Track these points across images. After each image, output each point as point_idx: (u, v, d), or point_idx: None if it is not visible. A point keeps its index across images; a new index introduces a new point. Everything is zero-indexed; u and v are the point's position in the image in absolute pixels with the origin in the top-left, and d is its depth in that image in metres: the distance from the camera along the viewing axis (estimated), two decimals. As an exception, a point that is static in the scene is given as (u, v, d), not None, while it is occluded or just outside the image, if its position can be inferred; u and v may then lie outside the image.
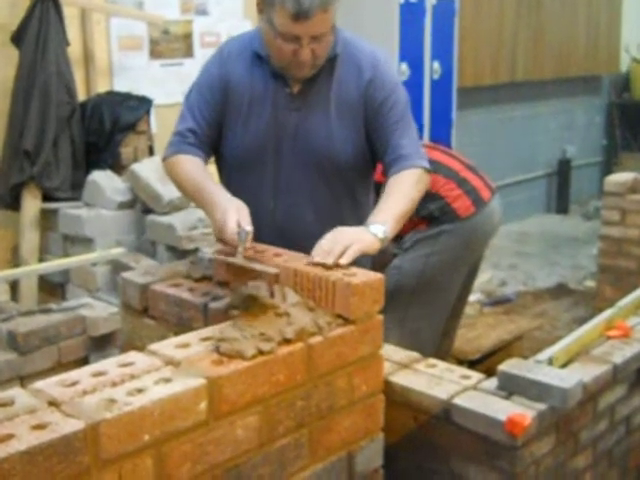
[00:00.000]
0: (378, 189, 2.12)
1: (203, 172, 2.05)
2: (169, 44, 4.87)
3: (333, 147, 2.09)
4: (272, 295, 1.66)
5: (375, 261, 3.17)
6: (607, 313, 2.84)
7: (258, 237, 1.87)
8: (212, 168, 2.21)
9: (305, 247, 1.77)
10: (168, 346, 1.46)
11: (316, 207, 2.14)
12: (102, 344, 3.01)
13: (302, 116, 2.09)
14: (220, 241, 1.85)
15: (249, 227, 1.79)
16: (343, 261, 1.69)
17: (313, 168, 2.11)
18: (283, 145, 2.11)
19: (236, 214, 1.80)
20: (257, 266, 1.72)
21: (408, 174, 2.03)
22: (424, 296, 3.00)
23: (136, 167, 4.06)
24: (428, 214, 2.88)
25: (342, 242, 1.73)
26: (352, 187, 2.18)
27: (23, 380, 2.76)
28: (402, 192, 2.00)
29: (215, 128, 2.14)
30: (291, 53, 1.97)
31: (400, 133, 2.08)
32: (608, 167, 8.27)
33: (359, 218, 2.05)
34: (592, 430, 2.44)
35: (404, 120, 2.11)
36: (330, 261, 1.68)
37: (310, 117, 2.09)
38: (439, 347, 3.10)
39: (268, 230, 2.04)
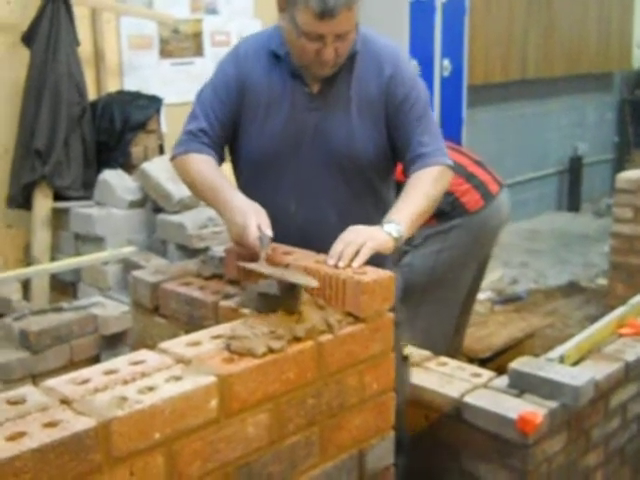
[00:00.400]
0: (399, 188, 2.09)
1: (216, 172, 2.00)
2: (179, 43, 4.88)
3: (354, 146, 2.04)
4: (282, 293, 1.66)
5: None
6: (619, 311, 2.83)
7: (278, 241, 1.83)
8: (227, 169, 2.19)
9: (328, 250, 1.75)
10: (179, 344, 1.46)
11: (339, 208, 2.07)
12: (113, 342, 3.02)
13: (322, 116, 2.03)
14: (239, 245, 1.82)
15: (269, 231, 1.76)
16: (355, 264, 1.68)
17: (334, 168, 2.05)
18: (303, 146, 2.04)
19: (256, 218, 1.77)
20: (290, 277, 1.62)
21: (428, 172, 2.00)
22: (435, 293, 3.00)
23: (146, 166, 4.07)
24: (438, 209, 2.88)
25: (355, 242, 1.72)
26: (374, 186, 2.12)
27: (35, 378, 2.78)
28: (421, 190, 1.96)
29: (229, 129, 2.08)
30: (314, 52, 1.92)
31: (421, 130, 2.04)
32: (620, 164, 8.23)
33: (383, 218, 1.99)
34: (604, 428, 2.43)
35: (425, 117, 2.07)
36: (342, 264, 1.67)
37: (330, 116, 2.03)
38: (450, 344, 3.10)
39: (288, 234, 1.96)
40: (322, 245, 1.79)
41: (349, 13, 1.87)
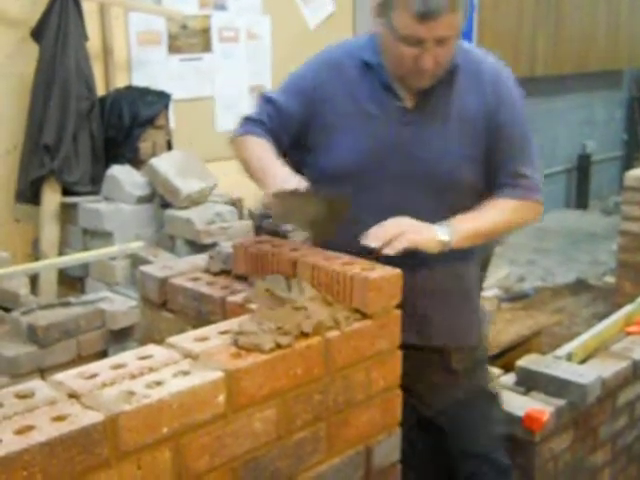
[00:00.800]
0: None
1: (270, 153, 1.89)
2: (187, 39, 4.88)
3: (449, 165, 1.88)
4: (290, 289, 1.66)
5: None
6: (626, 309, 2.82)
7: None
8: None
9: (410, 277, 1.68)
10: (187, 339, 1.47)
11: None
12: (121, 337, 3.03)
13: (415, 131, 1.89)
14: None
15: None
16: (388, 250, 1.66)
17: (423, 188, 1.90)
18: (389, 162, 1.89)
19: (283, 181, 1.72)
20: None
21: (514, 202, 1.91)
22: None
23: (155, 161, 4.07)
24: None
25: (397, 228, 1.69)
26: (464, 208, 1.91)
27: (43, 373, 2.79)
28: (495, 214, 1.88)
29: (289, 136, 1.96)
30: (412, 59, 1.78)
31: (522, 160, 1.93)
32: (628, 162, 8.21)
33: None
34: (611, 426, 2.43)
35: (527, 145, 1.96)
36: (374, 245, 1.65)
37: (425, 133, 1.89)
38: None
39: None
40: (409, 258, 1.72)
41: (452, 16, 1.74)
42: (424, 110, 1.89)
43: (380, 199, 1.89)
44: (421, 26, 1.73)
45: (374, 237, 1.69)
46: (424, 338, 1.99)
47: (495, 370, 2.44)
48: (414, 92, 1.88)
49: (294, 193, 1.69)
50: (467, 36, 5.69)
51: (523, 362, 2.33)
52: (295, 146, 1.98)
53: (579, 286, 5.34)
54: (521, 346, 3.52)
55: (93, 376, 1.31)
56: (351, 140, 1.90)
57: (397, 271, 1.65)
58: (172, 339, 1.47)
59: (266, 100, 1.99)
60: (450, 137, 1.89)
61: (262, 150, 1.90)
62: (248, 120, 1.99)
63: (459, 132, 1.89)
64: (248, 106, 5.16)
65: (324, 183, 1.84)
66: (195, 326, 1.67)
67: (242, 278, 1.88)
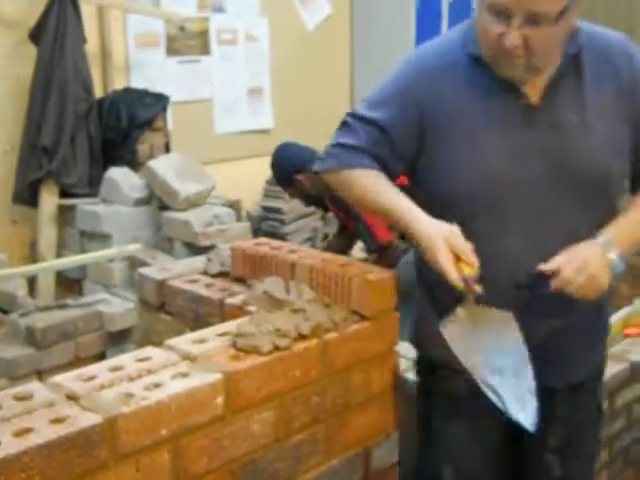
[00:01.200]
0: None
1: (387, 186, 1.62)
2: (186, 41, 4.88)
3: (596, 163, 1.60)
4: (288, 291, 1.66)
5: (384, 258, 3.18)
6: (624, 311, 2.83)
7: (498, 295, 1.57)
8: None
9: (566, 310, 1.59)
10: (185, 341, 1.47)
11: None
12: (119, 339, 3.03)
13: (548, 131, 1.59)
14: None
15: (473, 259, 1.48)
16: (571, 291, 1.52)
17: (572, 194, 1.61)
18: (525, 172, 1.59)
19: (447, 249, 1.48)
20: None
21: None
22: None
23: (153, 164, 4.07)
24: None
25: (586, 274, 1.52)
26: (616, 210, 1.69)
27: (41, 375, 2.78)
28: None
29: (401, 161, 1.66)
30: (497, 36, 1.48)
31: None
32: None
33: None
34: (608, 428, 2.43)
35: None
36: (569, 290, 1.52)
37: (560, 131, 1.60)
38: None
39: (510, 283, 1.61)
40: (558, 300, 1.56)
41: None
42: (553, 106, 1.60)
43: (523, 217, 1.61)
44: None
45: (565, 283, 1.52)
46: (569, 377, 1.76)
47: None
48: (537, 85, 1.59)
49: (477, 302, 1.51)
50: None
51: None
52: (407, 171, 1.70)
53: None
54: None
55: (91, 378, 1.31)
56: (471, 154, 1.60)
57: (394, 273, 1.65)
58: (170, 341, 1.47)
59: (362, 120, 1.67)
60: (590, 131, 1.60)
61: (381, 185, 1.62)
62: (345, 148, 1.66)
63: (598, 124, 1.61)
64: (247, 108, 5.18)
65: (450, 211, 1.57)
66: (193, 328, 1.68)
67: (240, 280, 1.89)
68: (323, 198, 3.46)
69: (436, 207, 1.59)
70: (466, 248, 1.48)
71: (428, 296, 1.75)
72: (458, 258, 1.47)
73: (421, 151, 1.64)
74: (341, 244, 3.68)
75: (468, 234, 1.51)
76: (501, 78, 1.57)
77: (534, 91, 1.59)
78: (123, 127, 4.24)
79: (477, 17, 1.55)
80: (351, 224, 3.46)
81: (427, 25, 5.41)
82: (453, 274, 1.47)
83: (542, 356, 1.62)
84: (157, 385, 1.29)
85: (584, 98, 1.60)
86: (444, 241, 1.49)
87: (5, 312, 3.18)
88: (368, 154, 1.63)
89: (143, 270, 2.07)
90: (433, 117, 1.61)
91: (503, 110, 1.60)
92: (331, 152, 1.69)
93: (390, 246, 3.28)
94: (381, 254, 3.29)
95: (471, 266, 1.47)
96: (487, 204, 1.60)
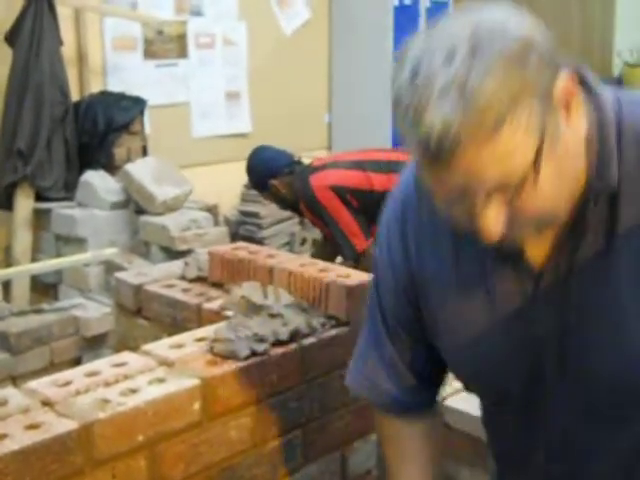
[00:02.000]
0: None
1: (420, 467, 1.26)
2: (163, 44, 4.87)
3: (635, 367, 1.01)
4: (266, 296, 1.66)
5: (361, 265, 3.18)
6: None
7: None
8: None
9: None
10: (162, 346, 1.46)
11: (622, 466, 1.10)
12: (95, 344, 3.00)
13: (564, 313, 1.03)
14: None
15: None
16: None
17: (604, 406, 1.07)
18: (542, 372, 1.08)
19: None
20: None
21: None
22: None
23: (129, 167, 4.05)
24: None
25: None
26: None
27: (16, 380, 2.75)
28: None
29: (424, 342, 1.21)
30: (466, 220, 0.95)
31: None
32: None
33: None
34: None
35: None
36: None
37: (581, 314, 1.03)
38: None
39: None
40: None
41: (491, 147, 0.86)
42: (567, 269, 1.02)
43: (544, 432, 1.13)
44: (437, 175, 0.91)
45: None
46: None
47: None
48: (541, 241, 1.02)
49: None
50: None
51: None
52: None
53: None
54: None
55: (67, 384, 1.30)
56: (470, 340, 1.12)
57: (371, 277, 1.65)
58: (147, 346, 1.46)
59: (378, 321, 1.26)
60: (627, 313, 1.00)
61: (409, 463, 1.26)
62: (369, 364, 1.27)
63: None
64: (224, 112, 5.16)
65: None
66: (170, 333, 1.67)
67: (218, 285, 1.88)
68: (298, 203, 3.45)
69: None
70: None
71: None
72: None
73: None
74: (328, 251, 3.64)
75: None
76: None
77: (536, 248, 1.03)
78: (100, 131, 4.21)
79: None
80: (326, 230, 3.46)
81: (405, 30, 5.43)
82: None
83: None
84: (133, 391, 1.28)
85: (616, 258, 1.00)
86: None
87: (-21, 317, 3.14)
88: (401, 364, 1.24)
89: (120, 275, 2.06)
90: (424, 288, 1.17)
91: (500, 280, 1.07)
92: (357, 368, 1.32)
93: (367, 253, 3.28)
94: (358, 261, 3.29)
95: None
96: (493, 408, 1.23)
